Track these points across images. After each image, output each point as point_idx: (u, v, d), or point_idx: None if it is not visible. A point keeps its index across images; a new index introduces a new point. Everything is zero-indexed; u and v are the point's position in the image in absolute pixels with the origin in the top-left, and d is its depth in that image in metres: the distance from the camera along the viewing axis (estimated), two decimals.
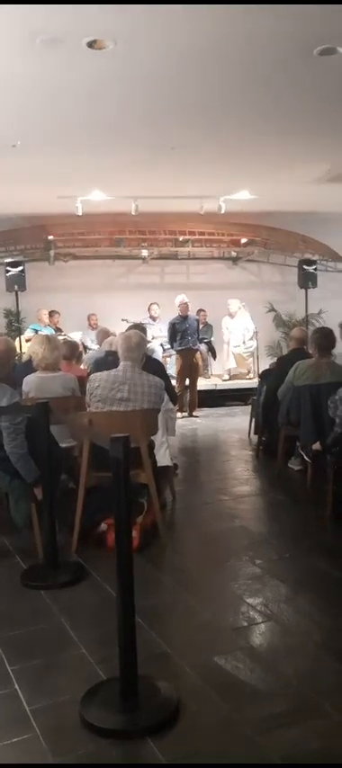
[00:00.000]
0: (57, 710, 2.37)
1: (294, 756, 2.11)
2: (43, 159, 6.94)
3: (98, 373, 4.20)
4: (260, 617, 3.05)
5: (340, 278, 11.48)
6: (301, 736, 2.19)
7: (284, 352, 9.62)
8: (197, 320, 9.50)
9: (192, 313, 9.40)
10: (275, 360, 7.96)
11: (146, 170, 7.69)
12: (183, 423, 8.22)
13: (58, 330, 9.63)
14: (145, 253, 11.03)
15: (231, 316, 10.31)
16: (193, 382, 9.22)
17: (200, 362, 9.55)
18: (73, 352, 5.69)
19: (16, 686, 2.50)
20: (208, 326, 10.75)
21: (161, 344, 9.73)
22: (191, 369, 9.12)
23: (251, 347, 10.17)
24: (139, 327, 5.28)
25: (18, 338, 9.11)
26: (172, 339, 9.22)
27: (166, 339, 9.73)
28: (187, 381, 9.16)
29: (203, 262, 11.49)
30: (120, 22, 3.85)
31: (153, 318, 10.17)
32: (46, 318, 9.88)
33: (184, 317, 9.13)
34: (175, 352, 9.33)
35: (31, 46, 4.10)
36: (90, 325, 10.33)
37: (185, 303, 9.14)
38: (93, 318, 10.37)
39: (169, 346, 9.56)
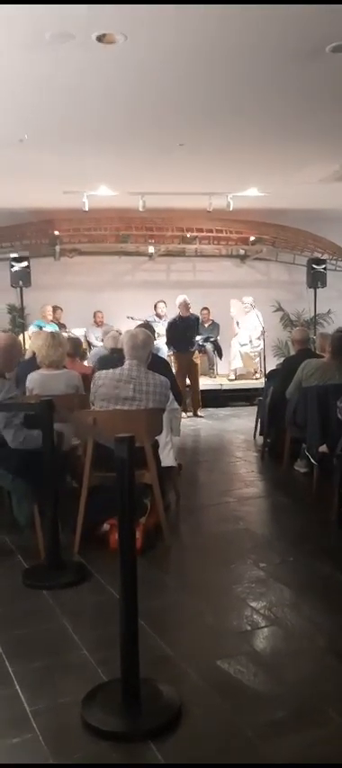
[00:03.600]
0: (57, 712, 2.36)
1: (296, 760, 2.09)
2: (50, 154, 6.92)
3: (103, 371, 4.17)
4: (264, 621, 3.02)
5: None
6: (304, 741, 2.18)
7: (292, 352, 9.57)
8: (197, 318, 9.32)
9: (193, 312, 9.22)
10: (282, 360, 7.92)
11: (154, 166, 7.67)
12: (187, 423, 8.17)
13: (61, 326, 9.60)
14: (151, 249, 11.00)
15: (246, 311, 10.25)
16: (195, 383, 9.13)
17: (199, 362, 9.44)
18: (76, 349, 5.68)
19: (17, 687, 2.49)
20: (214, 325, 10.70)
21: (166, 343, 9.67)
22: (189, 369, 9.01)
23: (258, 347, 10.12)
24: (148, 326, 5.25)
25: (22, 334, 9.11)
26: (171, 339, 9.05)
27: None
28: (188, 381, 9.07)
29: (211, 259, 11.44)
30: (130, 16, 3.82)
31: (159, 316, 10.11)
32: (50, 315, 9.84)
33: (183, 318, 9.00)
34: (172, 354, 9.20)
35: (40, 40, 4.08)
36: (96, 322, 10.32)
37: (185, 304, 9.00)
38: (99, 316, 10.35)
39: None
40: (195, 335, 9.19)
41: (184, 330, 8.95)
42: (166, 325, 9.66)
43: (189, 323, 9.02)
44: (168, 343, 9.13)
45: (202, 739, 2.21)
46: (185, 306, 9.01)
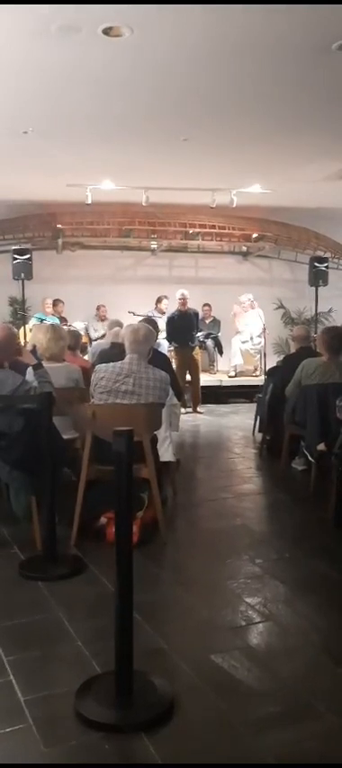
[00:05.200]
0: (51, 702, 2.37)
1: (288, 757, 2.10)
2: (54, 147, 6.92)
3: (103, 364, 4.18)
4: (258, 617, 3.03)
5: None
6: (296, 737, 2.19)
7: (292, 350, 9.58)
8: (196, 314, 9.31)
9: (191, 308, 9.24)
10: (282, 357, 7.92)
11: (158, 161, 7.67)
12: (186, 418, 8.18)
13: (62, 320, 9.62)
14: (154, 244, 10.99)
15: (245, 309, 10.27)
16: (195, 378, 9.13)
17: (199, 358, 9.44)
18: (76, 342, 5.69)
19: (11, 677, 2.50)
20: (215, 321, 10.70)
21: (166, 338, 9.68)
22: (190, 365, 9.02)
23: (259, 344, 10.13)
24: (151, 322, 5.24)
25: (23, 327, 9.12)
26: (170, 334, 9.08)
27: None
28: (188, 377, 9.08)
29: (213, 256, 11.45)
30: (136, 9, 3.81)
31: (162, 312, 10.11)
32: (49, 308, 9.87)
33: (182, 313, 9.01)
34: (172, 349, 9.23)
35: (46, 32, 4.07)
36: (99, 316, 10.32)
37: (184, 298, 9.01)
38: (102, 310, 10.34)
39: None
40: (195, 331, 9.18)
41: (183, 325, 8.94)
42: (166, 320, 9.67)
43: (188, 318, 9.02)
44: (168, 338, 9.14)
45: (195, 733, 2.22)
46: (183, 300, 9.00)
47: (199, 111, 5.89)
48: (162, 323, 9.60)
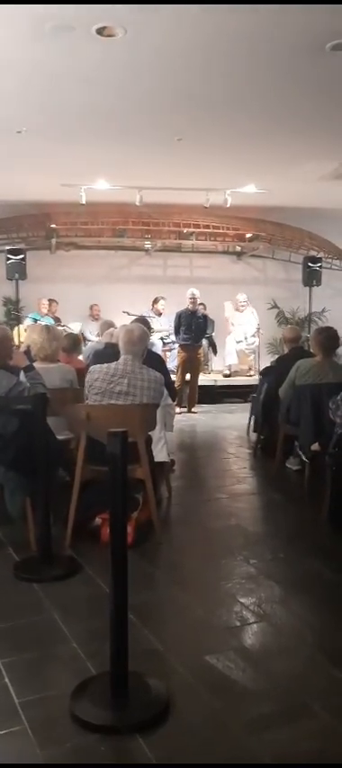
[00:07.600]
0: (46, 704, 2.37)
1: (284, 757, 2.11)
2: (48, 146, 6.91)
3: (97, 365, 4.18)
4: (253, 617, 3.04)
5: None
6: (291, 737, 2.19)
7: (286, 350, 9.59)
8: (205, 317, 9.33)
9: (201, 309, 9.28)
10: (276, 358, 7.94)
11: (152, 160, 7.67)
12: (181, 418, 8.19)
13: (56, 320, 9.61)
14: (148, 244, 10.99)
15: (239, 309, 10.28)
16: (194, 379, 9.15)
17: (201, 359, 9.47)
18: (75, 345, 5.66)
19: (6, 679, 2.49)
20: (209, 321, 10.70)
21: (161, 338, 9.69)
22: (192, 365, 9.04)
23: (253, 344, 10.15)
24: (144, 322, 5.24)
25: (17, 327, 9.10)
26: (176, 330, 9.11)
27: (167, 333, 9.68)
28: (188, 376, 9.10)
29: (207, 255, 11.46)
30: (130, 9, 3.81)
31: (158, 313, 10.10)
32: (45, 308, 9.86)
33: (192, 312, 9.03)
34: (177, 345, 9.27)
35: (40, 32, 4.07)
36: (92, 315, 10.32)
37: (194, 297, 9.04)
38: (95, 309, 10.35)
39: (169, 340, 9.52)
40: (202, 333, 9.17)
41: (190, 323, 8.94)
42: (161, 320, 9.68)
43: (196, 318, 9.02)
44: (175, 333, 9.17)
45: (190, 733, 2.22)
46: (193, 299, 9.01)
47: (193, 111, 5.89)
48: (158, 324, 9.59)
